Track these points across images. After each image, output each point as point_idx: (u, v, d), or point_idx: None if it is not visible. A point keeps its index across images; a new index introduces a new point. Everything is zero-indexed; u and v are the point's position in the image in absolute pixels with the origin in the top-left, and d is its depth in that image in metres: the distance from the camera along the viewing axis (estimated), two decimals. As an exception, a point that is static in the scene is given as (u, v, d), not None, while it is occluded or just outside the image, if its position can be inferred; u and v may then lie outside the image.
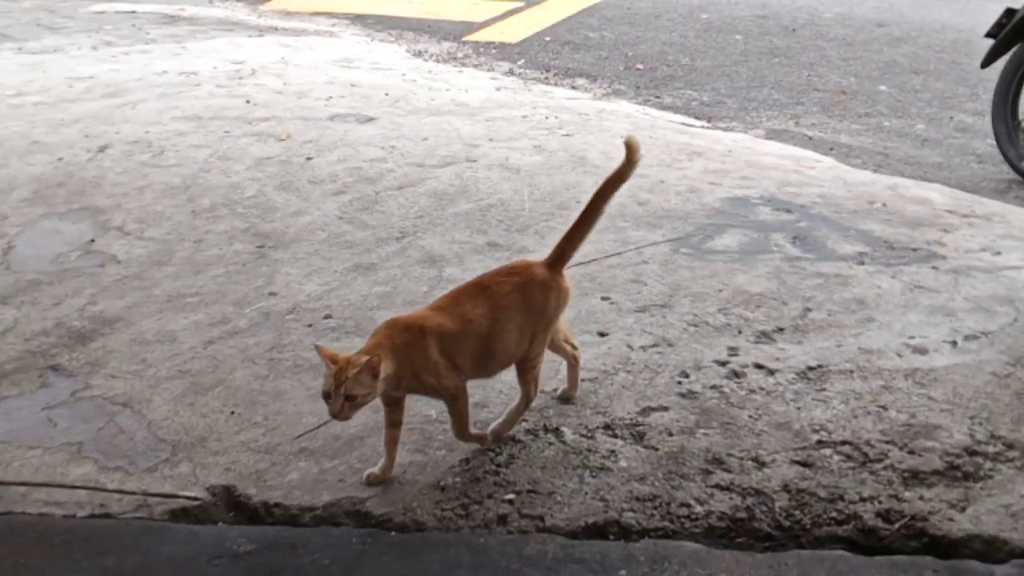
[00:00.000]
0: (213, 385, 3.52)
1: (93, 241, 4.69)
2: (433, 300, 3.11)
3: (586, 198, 5.03)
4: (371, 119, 6.50)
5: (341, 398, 2.69)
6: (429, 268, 4.38)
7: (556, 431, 3.20)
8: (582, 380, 3.44)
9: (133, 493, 2.97)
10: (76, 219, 4.94)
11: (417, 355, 2.83)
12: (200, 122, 6.40)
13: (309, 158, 5.73)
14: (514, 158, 5.71)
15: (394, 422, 2.98)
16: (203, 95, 7.06)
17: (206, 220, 4.91)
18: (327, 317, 3.97)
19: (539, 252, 4.45)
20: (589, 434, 3.18)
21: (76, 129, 6.24)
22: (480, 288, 2.98)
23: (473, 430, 3.06)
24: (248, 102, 6.85)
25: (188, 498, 2.94)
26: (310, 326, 3.91)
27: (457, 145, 5.96)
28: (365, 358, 2.69)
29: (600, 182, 3.11)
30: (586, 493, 2.92)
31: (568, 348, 3.27)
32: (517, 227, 4.78)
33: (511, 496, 2.92)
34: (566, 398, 3.32)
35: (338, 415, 2.72)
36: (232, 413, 3.36)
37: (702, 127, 6.72)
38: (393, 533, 2.78)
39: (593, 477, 2.99)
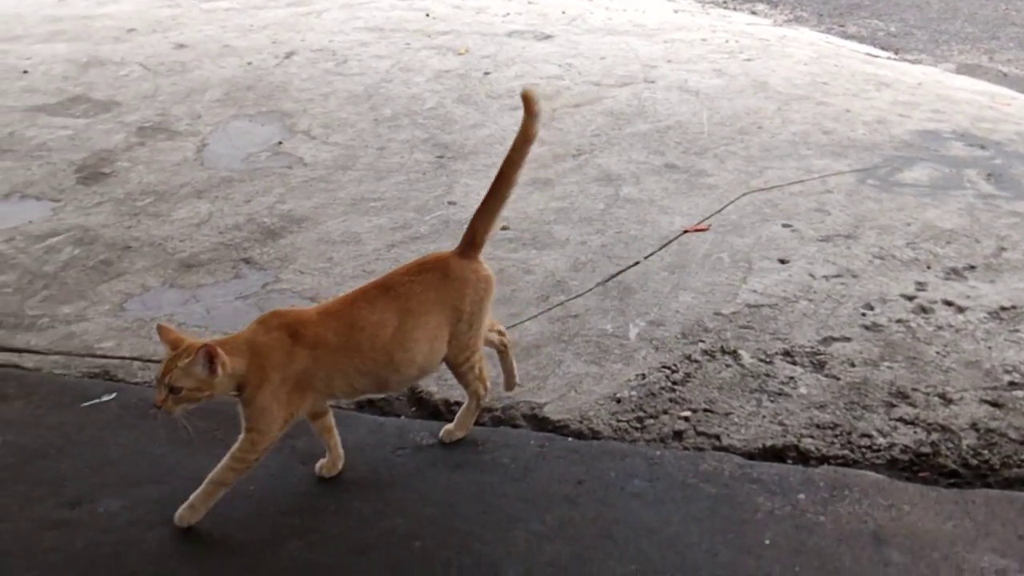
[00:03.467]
0: (395, 286, 3.61)
1: (281, 143, 4.84)
2: (346, 293, 2.65)
3: (768, 124, 4.98)
4: (548, 36, 6.48)
5: (164, 389, 2.31)
6: (606, 186, 4.37)
7: (734, 353, 3.18)
8: (759, 305, 3.41)
9: (321, 382, 3.10)
10: (264, 121, 5.10)
11: (274, 364, 2.41)
12: (382, 33, 6.50)
13: (487, 73, 5.76)
14: (693, 81, 5.61)
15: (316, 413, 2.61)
16: (384, 7, 7.16)
17: (388, 129, 5.01)
18: (504, 228, 4.01)
19: (717, 176, 4.40)
20: (768, 359, 3.15)
21: (264, 35, 6.42)
22: (383, 290, 2.54)
23: (206, 502, 2.46)
24: (428, 16, 6.91)
25: (373, 391, 3.06)
26: (488, 236, 3.96)
27: (635, 65, 5.89)
28: (199, 346, 2.30)
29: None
30: (763, 416, 2.90)
31: (494, 336, 2.84)
32: (696, 150, 4.71)
33: (687, 413, 2.92)
34: (510, 386, 2.91)
35: (159, 406, 2.32)
36: (413, 314, 3.44)
37: (888, 58, 6.44)
38: (570, 439, 2.82)
39: (771, 402, 2.96)
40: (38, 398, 2.98)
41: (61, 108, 5.21)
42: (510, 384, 2.92)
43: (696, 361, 3.15)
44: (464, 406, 2.81)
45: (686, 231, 3.96)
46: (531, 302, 3.51)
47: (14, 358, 3.20)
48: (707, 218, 4.05)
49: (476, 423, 2.90)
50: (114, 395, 2.98)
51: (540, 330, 3.34)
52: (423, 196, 4.31)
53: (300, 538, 2.44)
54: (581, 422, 2.89)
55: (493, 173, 4.47)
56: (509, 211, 4.12)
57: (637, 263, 3.74)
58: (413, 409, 3.02)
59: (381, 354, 2.50)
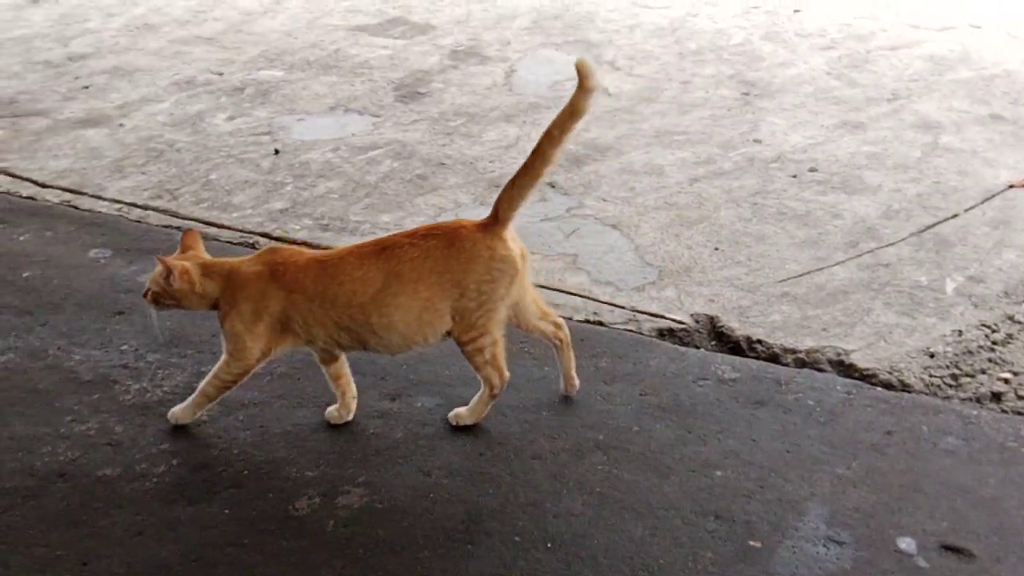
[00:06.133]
0: (697, 220, 3.60)
1: (586, 73, 4.89)
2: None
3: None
4: (862, -25, 6.18)
5: (146, 285, 2.53)
6: (923, 133, 4.15)
7: (1063, 318, 2.97)
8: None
9: (623, 308, 3.15)
10: (570, 50, 5.17)
11: (247, 297, 2.45)
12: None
13: (796, 11, 5.57)
14: (1024, 27, 5.22)
15: (325, 360, 2.60)
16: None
17: (692, 63, 4.95)
18: (812, 170, 3.90)
19: (1052, 129, 4.08)
20: (1102, 327, 2.92)
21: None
22: (380, 248, 2.43)
23: (194, 409, 2.59)
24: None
25: (674, 321, 3.07)
26: (794, 176, 3.86)
27: (958, 8, 5.52)
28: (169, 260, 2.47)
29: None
30: (1096, 387, 2.70)
31: (548, 327, 2.62)
32: (1025, 101, 4.40)
33: (1007, 375, 2.76)
34: (568, 388, 2.69)
35: (144, 297, 2.53)
36: (716, 249, 3.43)
37: None
38: (878, 389, 2.74)
39: (1105, 372, 2.75)
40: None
41: (381, 29, 5.48)
42: (568, 385, 2.69)
43: (1019, 322, 2.97)
44: (478, 396, 2.58)
45: (1012, 186, 3.70)
46: (839, 247, 3.40)
47: (339, 259, 3.43)
48: (1037, 174, 3.78)
49: (778, 362, 2.87)
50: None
51: (848, 276, 3.24)
52: (727, 132, 4.25)
53: (603, 452, 2.51)
54: (891, 373, 2.80)
55: (801, 113, 4.41)
56: (818, 152, 4.02)
57: (956, 215, 3.54)
58: (713, 343, 3.01)
59: (358, 312, 2.41)
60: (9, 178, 3.98)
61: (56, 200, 3.81)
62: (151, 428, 2.62)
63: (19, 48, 5.29)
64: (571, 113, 2.37)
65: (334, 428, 2.61)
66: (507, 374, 2.55)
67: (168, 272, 2.46)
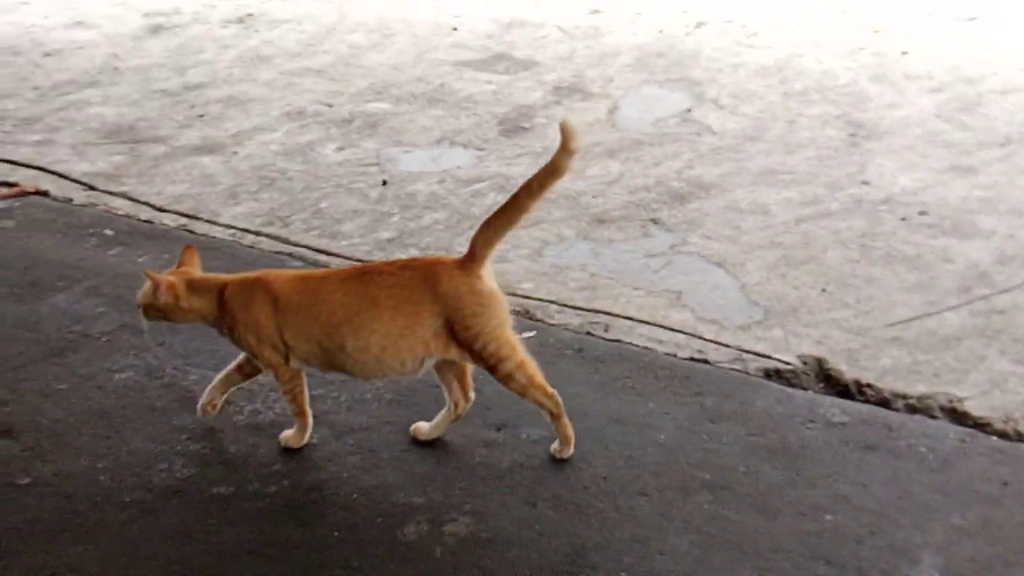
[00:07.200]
0: (804, 261, 3.57)
1: (690, 111, 4.89)
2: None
3: None
4: (972, 18, 6.07)
5: (137, 297, 2.63)
6: (1038, 179, 4.07)
7: None
8: None
9: (728, 346, 3.13)
10: (674, 88, 5.18)
11: (240, 308, 2.55)
12: (793, 5, 6.36)
13: (904, 52, 5.50)
14: None
15: (239, 368, 2.72)
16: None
17: (798, 103, 4.92)
18: (922, 213, 3.84)
19: None
20: None
21: (675, 4, 6.46)
22: (359, 273, 2.57)
23: (302, 433, 2.68)
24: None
25: (781, 361, 3.04)
26: (904, 219, 3.81)
27: (1074, 53, 5.41)
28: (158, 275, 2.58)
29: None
30: None
31: (456, 391, 2.65)
32: None
33: None
34: (414, 438, 2.71)
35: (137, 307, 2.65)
36: (823, 290, 3.39)
37: None
38: (993, 438, 2.67)
39: None
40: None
41: (485, 64, 5.56)
42: (417, 434, 2.71)
43: None
44: (550, 420, 2.59)
45: None
46: (951, 292, 3.34)
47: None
48: None
49: (888, 407, 2.82)
50: (534, 333, 3.16)
51: (960, 322, 3.18)
52: (834, 173, 4.21)
53: (710, 492, 2.49)
54: (1006, 422, 2.73)
55: (910, 156, 4.35)
56: (928, 196, 3.96)
57: (1075, 264, 3.46)
58: (821, 385, 2.98)
59: (336, 333, 2.49)
60: (128, 202, 4.13)
61: (173, 224, 3.95)
62: (263, 448, 2.68)
63: (138, 77, 5.49)
64: (551, 171, 2.43)
65: (441, 455, 2.65)
66: (551, 390, 2.54)
67: (155, 286, 2.57)
